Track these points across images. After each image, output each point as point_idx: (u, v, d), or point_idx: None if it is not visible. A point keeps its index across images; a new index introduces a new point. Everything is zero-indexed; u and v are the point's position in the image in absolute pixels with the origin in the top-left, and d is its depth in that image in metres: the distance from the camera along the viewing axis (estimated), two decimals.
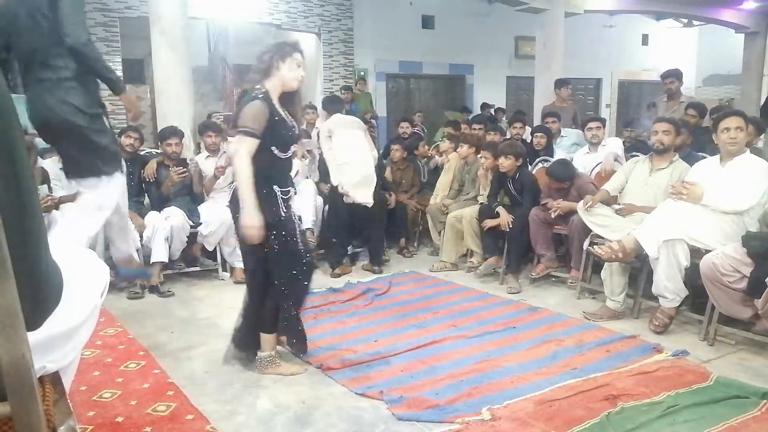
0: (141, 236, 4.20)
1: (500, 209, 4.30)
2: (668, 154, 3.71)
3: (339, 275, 4.52)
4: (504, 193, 4.48)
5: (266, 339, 2.77)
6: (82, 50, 2.68)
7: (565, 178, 4.12)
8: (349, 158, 4.45)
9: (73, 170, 2.89)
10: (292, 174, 5.04)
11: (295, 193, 4.92)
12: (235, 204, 2.59)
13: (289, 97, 2.65)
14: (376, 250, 4.77)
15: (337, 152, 4.47)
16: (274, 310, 2.75)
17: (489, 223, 4.28)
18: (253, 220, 2.44)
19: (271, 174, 2.56)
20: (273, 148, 2.54)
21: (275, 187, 2.57)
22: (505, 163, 4.29)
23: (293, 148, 2.68)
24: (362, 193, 4.42)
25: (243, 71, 11.58)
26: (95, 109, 2.82)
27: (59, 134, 2.78)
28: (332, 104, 4.83)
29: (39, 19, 2.66)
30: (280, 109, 2.57)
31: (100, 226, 3.03)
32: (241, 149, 2.44)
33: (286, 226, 2.60)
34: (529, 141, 5.44)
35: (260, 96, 2.49)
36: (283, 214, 2.59)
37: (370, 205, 4.46)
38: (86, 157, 2.81)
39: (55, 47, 2.65)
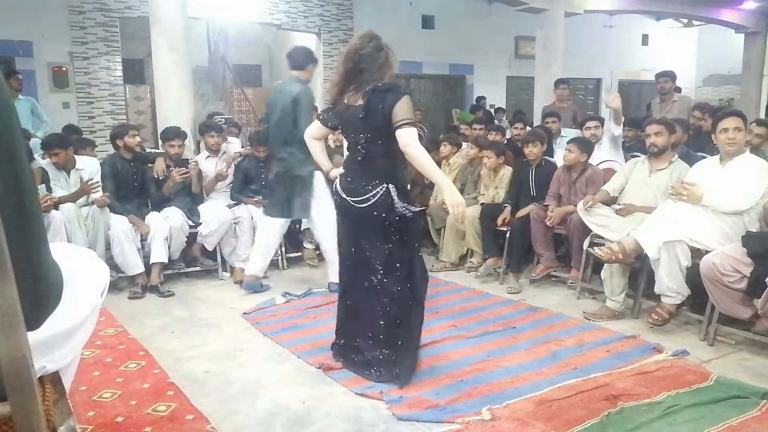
0: (141, 236, 4.21)
1: (508, 207, 4.33)
2: (666, 155, 3.72)
3: None
4: (522, 193, 4.46)
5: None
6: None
7: (585, 145, 4.22)
8: None
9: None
10: None
11: None
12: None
13: None
14: None
15: None
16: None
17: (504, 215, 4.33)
18: (459, 197, 2.52)
19: (407, 175, 2.68)
20: None
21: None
22: (533, 150, 4.37)
23: None
24: None
25: (243, 71, 11.67)
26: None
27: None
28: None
29: (287, 111, 3.90)
30: None
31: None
32: (415, 139, 2.48)
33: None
34: None
35: (406, 91, 2.55)
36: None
37: None
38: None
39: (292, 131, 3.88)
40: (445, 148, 5.23)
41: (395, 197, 2.56)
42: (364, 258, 2.69)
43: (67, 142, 4.34)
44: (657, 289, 3.25)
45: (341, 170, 2.79)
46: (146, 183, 4.50)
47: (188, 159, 4.70)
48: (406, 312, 2.65)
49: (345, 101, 2.65)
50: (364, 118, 2.56)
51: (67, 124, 5.80)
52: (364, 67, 2.56)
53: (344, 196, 2.68)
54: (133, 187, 4.44)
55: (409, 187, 2.76)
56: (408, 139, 2.47)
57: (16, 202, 0.90)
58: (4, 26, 7.23)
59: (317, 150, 2.94)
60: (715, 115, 5.02)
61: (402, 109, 2.48)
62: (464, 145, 5.52)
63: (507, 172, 4.66)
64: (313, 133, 2.89)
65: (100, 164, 4.42)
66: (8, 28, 7.26)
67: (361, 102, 2.57)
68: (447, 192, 2.53)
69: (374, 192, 2.57)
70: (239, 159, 4.91)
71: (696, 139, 4.84)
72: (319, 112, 2.88)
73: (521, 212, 4.28)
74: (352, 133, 2.70)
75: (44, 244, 1.00)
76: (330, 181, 3.08)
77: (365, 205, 2.59)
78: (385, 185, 2.56)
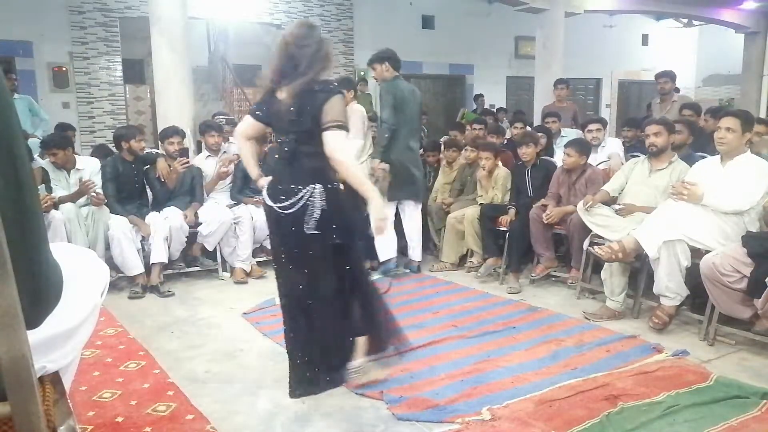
0: (142, 237, 4.21)
1: (512, 209, 4.35)
2: (666, 155, 3.71)
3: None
4: (521, 194, 4.47)
5: (360, 343, 2.58)
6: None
7: (583, 147, 4.21)
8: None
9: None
10: None
11: None
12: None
13: None
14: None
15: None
16: (369, 311, 2.58)
17: (504, 219, 4.34)
18: (385, 211, 2.41)
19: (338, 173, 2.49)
20: None
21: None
22: (527, 151, 4.38)
23: None
24: None
25: (243, 71, 11.64)
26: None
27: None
28: (351, 85, 4.90)
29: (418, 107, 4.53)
30: None
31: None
32: (345, 145, 2.34)
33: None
34: None
35: (339, 90, 2.36)
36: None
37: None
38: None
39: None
40: (453, 154, 5.18)
41: (319, 199, 2.33)
42: (297, 274, 2.47)
43: (66, 142, 4.34)
44: (656, 289, 3.25)
45: (270, 178, 2.52)
46: (148, 183, 4.51)
47: (187, 148, 4.73)
48: (333, 327, 2.52)
49: (278, 96, 2.41)
50: (294, 120, 2.35)
51: (59, 122, 5.80)
52: (300, 61, 2.32)
53: (270, 202, 2.42)
54: (134, 188, 4.45)
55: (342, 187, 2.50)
56: (335, 144, 2.26)
57: (16, 200, 0.90)
58: (4, 26, 7.24)
59: (247, 152, 2.60)
60: (703, 115, 5.08)
61: (332, 109, 2.27)
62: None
63: (502, 172, 4.66)
64: (247, 131, 2.54)
65: (102, 166, 4.43)
66: (8, 28, 7.27)
67: (291, 101, 2.34)
68: (374, 205, 2.31)
69: (300, 195, 2.33)
70: (237, 161, 4.91)
71: (696, 139, 4.84)
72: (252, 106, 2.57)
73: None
74: (281, 132, 2.47)
75: (44, 243, 1.01)
76: None
77: (290, 211, 2.35)
78: (313, 186, 2.33)
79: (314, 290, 2.47)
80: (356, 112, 4.56)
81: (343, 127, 2.30)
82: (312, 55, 2.33)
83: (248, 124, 2.53)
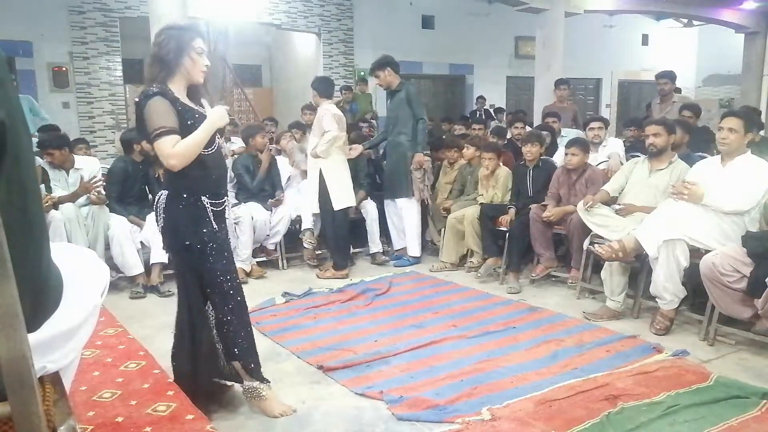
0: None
1: (512, 209, 4.35)
2: (666, 155, 3.71)
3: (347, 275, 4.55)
4: (521, 195, 4.48)
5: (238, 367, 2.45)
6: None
7: (585, 145, 4.24)
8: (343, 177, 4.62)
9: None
10: (285, 179, 5.10)
11: (282, 198, 4.94)
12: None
13: (195, 89, 2.39)
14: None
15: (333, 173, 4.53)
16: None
17: (504, 219, 4.35)
18: (222, 114, 2.28)
19: (198, 179, 2.24)
20: None
21: (204, 199, 2.26)
22: (532, 150, 4.41)
23: (217, 141, 2.36)
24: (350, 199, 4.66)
25: (243, 71, 11.66)
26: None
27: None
28: (327, 87, 4.63)
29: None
30: (185, 100, 2.26)
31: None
32: (168, 151, 2.09)
33: (219, 247, 2.33)
34: None
35: (155, 92, 2.15)
36: (214, 229, 2.30)
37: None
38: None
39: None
40: (454, 153, 5.17)
41: (164, 205, 2.27)
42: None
43: (63, 142, 4.33)
44: (653, 290, 3.25)
45: None
46: (150, 184, 4.52)
47: None
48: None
49: None
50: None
51: (42, 125, 5.69)
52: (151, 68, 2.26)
53: None
54: (140, 188, 4.47)
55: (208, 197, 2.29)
56: (163, 152, 2.09)
57: (19, 205, 0.90)
58: (4, 26, 7.23)
59: None
60: (700, 116, 5.10)
61: (150, 115, 2.10)
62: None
63: (503, 172, 4.67)
64: None
65: (111, 167, 4.44)
66: (8, 28, 7.26)
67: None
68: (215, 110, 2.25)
69: (157, 199, 2.32)
70: (235, 157, 4.91)
71: (696, 139, 4.84)
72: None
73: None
74: None
75: (46, 248, 1.01)
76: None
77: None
78: (162, 192, 2.30)
79: (181, 292, 2.56)
80: (326, 112, 4.45)
81: (167, 131, 2.10)
82: (152, 60, 2.26)
83: None
